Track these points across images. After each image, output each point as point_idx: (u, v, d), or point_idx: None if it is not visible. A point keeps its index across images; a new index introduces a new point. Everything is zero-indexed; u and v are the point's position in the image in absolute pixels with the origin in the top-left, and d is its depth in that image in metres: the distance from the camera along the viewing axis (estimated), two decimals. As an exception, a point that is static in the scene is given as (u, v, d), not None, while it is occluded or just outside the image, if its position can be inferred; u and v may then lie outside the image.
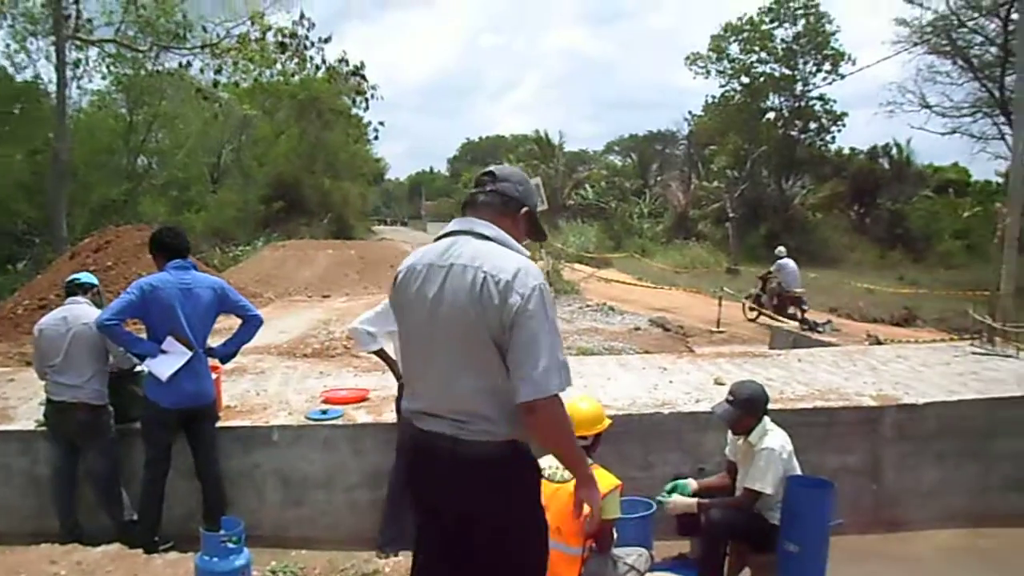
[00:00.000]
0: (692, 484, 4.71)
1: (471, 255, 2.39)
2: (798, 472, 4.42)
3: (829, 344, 10.77)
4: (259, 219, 34.31)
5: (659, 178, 46.32)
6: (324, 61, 25.03)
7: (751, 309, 16.27)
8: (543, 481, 4.10)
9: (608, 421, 4.42)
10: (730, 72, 38.97)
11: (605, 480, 4.13)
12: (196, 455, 4.98)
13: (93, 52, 24.32)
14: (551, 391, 2.28)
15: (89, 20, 22.81)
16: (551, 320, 2.33)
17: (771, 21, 37.35)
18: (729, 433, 4.69)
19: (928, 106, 29.08)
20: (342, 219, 38.07)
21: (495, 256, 2.38)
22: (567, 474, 4.12)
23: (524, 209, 2.59)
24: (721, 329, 14.65)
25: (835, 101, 38.66)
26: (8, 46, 25.28)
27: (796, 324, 14.17)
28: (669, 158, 51.35)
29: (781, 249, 16.53)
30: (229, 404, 5.80)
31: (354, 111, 36.96)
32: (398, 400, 5.07)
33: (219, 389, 5.48)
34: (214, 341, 5.07)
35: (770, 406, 4.68)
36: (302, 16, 23.37)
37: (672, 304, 17.82)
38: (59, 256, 15.97)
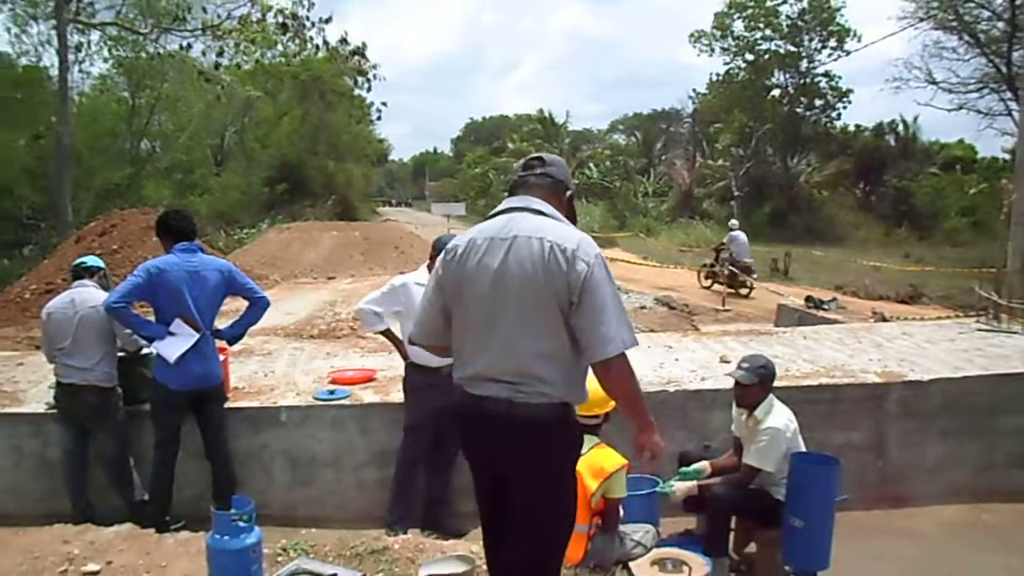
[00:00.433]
0: (706, 468, 4.69)
1: (533, 228, 2.59)
2: (803, 448, 4.44)
3: (834, 321, 10.76)
4: (263, 201, 34.34)
5: (663, 157, 46.20)
6: (325, 42, 24.94)
7: (706, 277, 17.63)
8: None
9: (614, 404, 4.45)
10: (734, 49, 38.71)
11: (612, 459, 4.17)
12: (205, 436, 5.02)
13: (95, 35, 24.25)
14: (624, 347, 2.49)
15: (90, 3, 22.72)
16: (614, 285, 2.56)
17: (775, -3, 37.05)
18: (734, 409, 4.71)
19: (934, 82, 28.85)
20: (346, 200, 38.05)
21: (556, 229, 2.59)
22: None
23: (568, 192, 2.83)
24: (726, 308, 14.65)
25: (840, 78, 38.40)
26: (9, 30, 25.25)
27: (746, 291, 16.23)
28: (673, 136, 51.18)
29: (733, 222, 18.74)
30: (237, 385, 5.83)
31: (356, 92, 36.87)
32: (405, 380, 5.10)
33: (227, 370, 5.50)
34: (221, 323, 5.08)
35: (776, 383, 4.69)
36: (303, -5, 23.22)
37: (677, 283, 17.83)
38: (65, 240, 16.02)
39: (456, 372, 2.72)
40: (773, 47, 37.74)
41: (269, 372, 6.40)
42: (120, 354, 5.10)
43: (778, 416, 4.42)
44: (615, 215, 36.46)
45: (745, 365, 4.56)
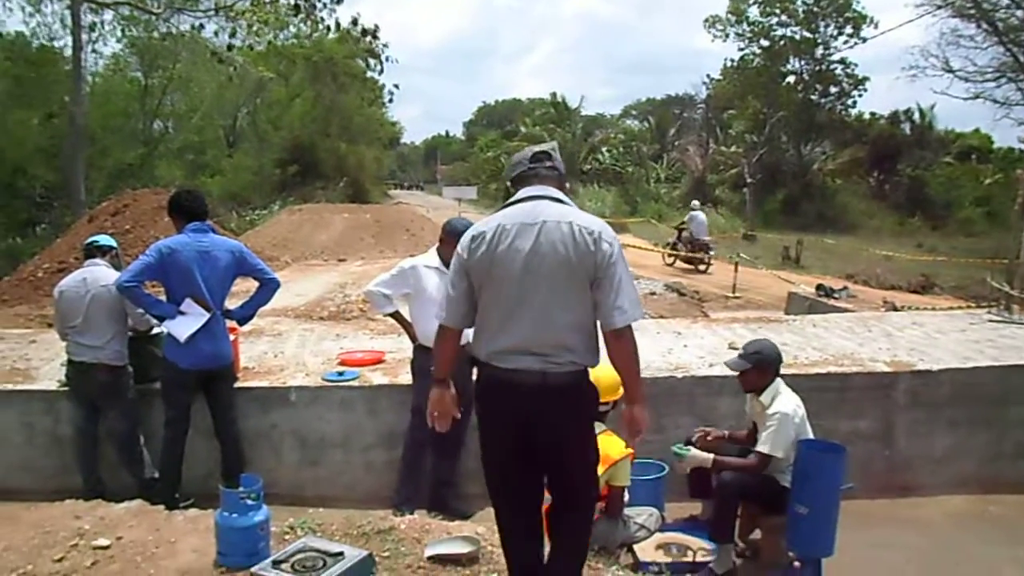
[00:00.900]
0: (707, 460, 4.57)
1: (558, 213, 2.87)
2: (810, 436, 4.44)
3: (845, 310, 10.73)
4: (275, 183, 34.33)
5: (676, 143, 45.86)
6: (338, 24, 24.83)
7: (669, 255, 19.11)
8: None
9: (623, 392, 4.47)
10: (749, 35, 38.31)
11: (618, 447, 4.19)
12: (215, 415, 5.06)
13: (108, 15, 24.24)
14: (635, 319, 2.84)
15: (104, -18, 22.69)
16: (627, 264, 2.90)
17: (792, -18, 36.65)
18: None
19: (951, 70, 28.43)
20: (358, 183, 37.95)
21: (578, 214, 2.91)
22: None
23: (566, 184, 3.15)
24: (737, 295, 14.62)
25: (856, 65, 37.96)
26: (24, 10, 25.25)
27: (704, 267, 17.67)
28: (687, 122, 50.80)
29: (695, 203, 20.81)
30: (247, 365, 5.87)
31: (368, 74, 36.79)
32: (413, 362, 5.12)
33: (237, 351, 5.54)
34: (231, 304, 5.11)
35: (784, 371, 4.70)
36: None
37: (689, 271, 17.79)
38: (77, 220, 16.09)
39: (484, 348, 2.91)
40: (788, 33, 37.34)
41: (279, 353, 6.43)
42: (129, 333, 5.14)
43: (786, 401, 4.42)
44: (627, 200, 36.34)
45: (740, 352, 4.64)
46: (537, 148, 3.13)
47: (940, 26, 37.70)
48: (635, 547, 4.45)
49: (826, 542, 4.20)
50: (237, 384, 5.33)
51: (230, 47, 23.80)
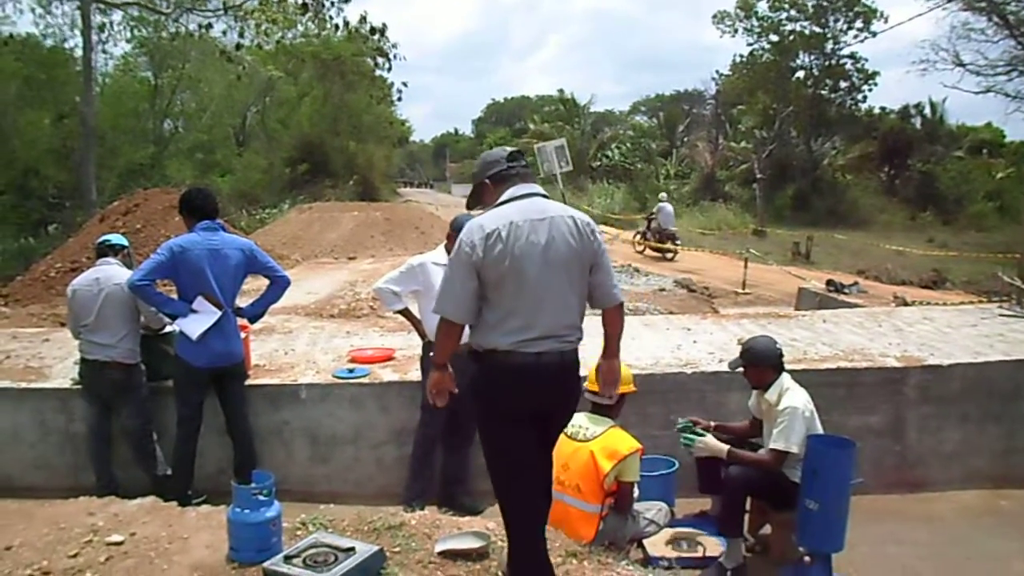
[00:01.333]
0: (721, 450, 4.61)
1: (557, 209, 3.15)
2: (820, 431, 4.43)
3: (855, 305, 10.68)
4: (285, 181, 34.38)
5: (686, 139, 45.71)
6: (346, 22, 24.91)
7: (639, 243, 20.48)
8: (565, 439, 4.22)
9: (633, 388, 4.48)
10: (758, 30, 38.10)
11: (627, 443, 4.20)
12: (226, 412, 5.09)
13: (117, 16, 24.38)
14: (623, 297, 3.29)
15: (114, -17, 22.82)
16: None
17: (801, -24, 36.46)
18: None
19: (962, 64, 28.17)
20: (367, 181, 37.96)
21: (568, 208, 3.21)
22: (589, 434, 4.23)
23: None
24: (747, 291, 14.59)
25: (866, 60, 37.71)
26: (35, 11, 25.41)
27: (671, 255, 19.17)
28: (696, 118, 50.58)
29: (663, 195, 22.89)
30: (258, 363, 5.91)
31: (377, 72, 36.81)
32: (423, 359, 5.15)
33: (248, 348, 5.57)
34: (242, 302, 5.15)
35: (794, 366, 4.71)
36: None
37: (698, 266, 17.76)
38: (89, 219, 16.16)
39: (508, 337, 3.03)
40: (798, 28, 37.12)
41: (290, 350, 6.46)
42: (142, 332, 5.18)
43: (794, 396, 4.42)
44: (636, 197, 36.20)
45: (741, 350, 4.72)
46: (510, 148, 3.35)
47: (951, 20, 37.65)
48: (645, 542, 4.46)
49: (836, 537, 4.19)
50: (248, 381, 5.36)
51: (239, 46, 23.94)
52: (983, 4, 25.99)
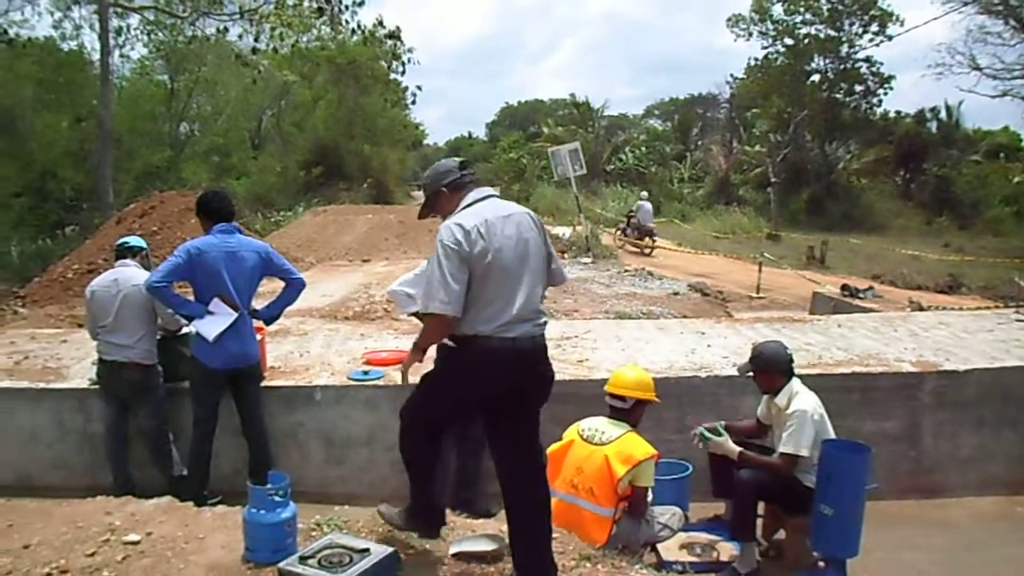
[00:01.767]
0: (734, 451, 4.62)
1: (515, 207, 3.46)
2: (831, 435, 4.41)
3: (870, 310, 10.62)
4: (300, 184, 34.53)
5: (700, 142, 45.67)
6: (360, 26, 25.01)
7: (619, 239, 21.26)
8: (581, 442, 4.22)
9: (655, 398, 4.46)
10: (773, 34, 37.91)
11: (642, 448, 4.20)
12: (242, 414, 5.13)
13: (134, 19, 24.57)
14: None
15: (131, -12, 23.02)
16: None
17: (817, -20, 36.27)
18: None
19: (978, 68, 28.06)
20: (381, 184, 38.04)
21: (520, 206, 3.53)
22: (605, 438, 4.24)
23: None
24: (761, 295, 14.53)
25: (882, 63, 37.30)
26: (52, 15, 25.66)
27: (649, 250, 19.95)
28: (710, 122, 50.52)
29: (644, 194, 24.66)
30: (273, 365, 5.94)
31: (391, 76, 36.90)
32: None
33: (264, 350, 5.60)
34: (258, 304, 5.18)
35: (808, 371, 4.69)
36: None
37: (712, 270, 17.67)
38: (106, 221, 16.30)
39: (489, 324, 3.25)
40: (813, 31, 36.88)
41: (304, 352, 6.49)
42: (159, 333, 5.22)
43: (803, 400, 4.41)
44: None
45: (751, 355, 4.72)
46: (457, 158, 3.70)
47: (967, 23, 37.32)
48: (659, 546, 4.45)
49: (851, 543, 4.18)
50: (264, 383, 5.40)
51: (255, 50, 24.08)
52: (1000, 7, 25.87)
